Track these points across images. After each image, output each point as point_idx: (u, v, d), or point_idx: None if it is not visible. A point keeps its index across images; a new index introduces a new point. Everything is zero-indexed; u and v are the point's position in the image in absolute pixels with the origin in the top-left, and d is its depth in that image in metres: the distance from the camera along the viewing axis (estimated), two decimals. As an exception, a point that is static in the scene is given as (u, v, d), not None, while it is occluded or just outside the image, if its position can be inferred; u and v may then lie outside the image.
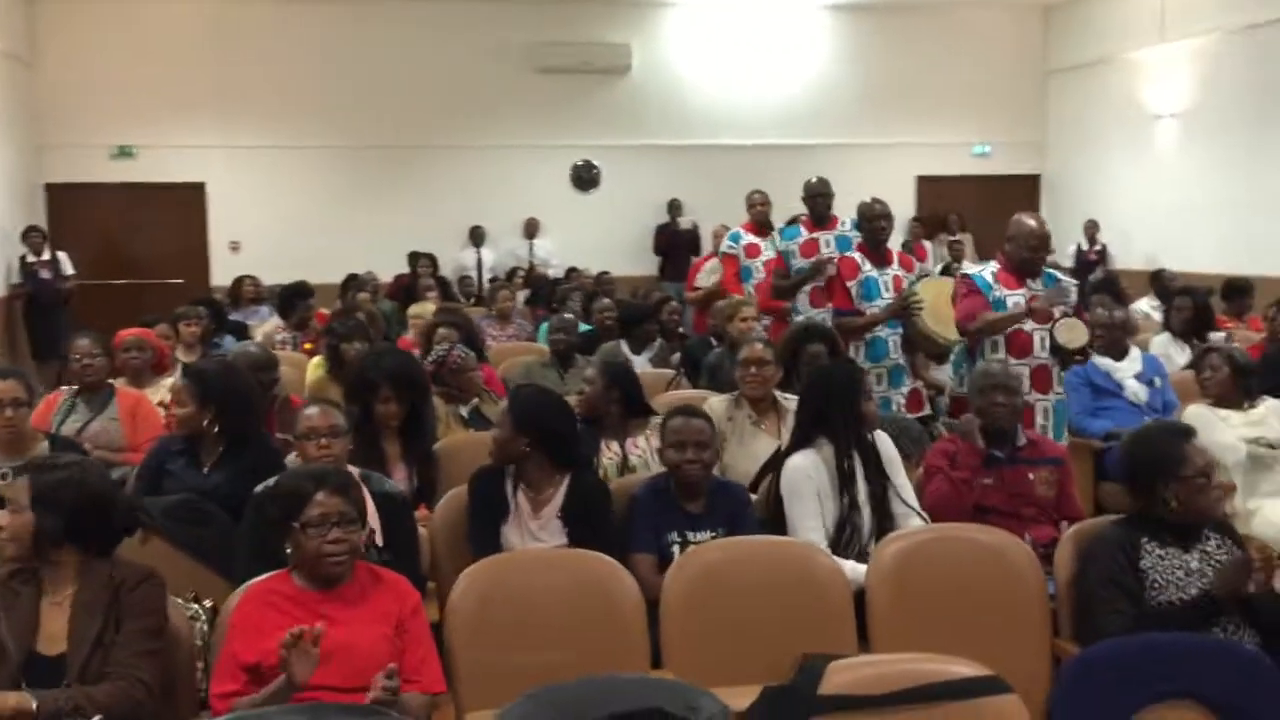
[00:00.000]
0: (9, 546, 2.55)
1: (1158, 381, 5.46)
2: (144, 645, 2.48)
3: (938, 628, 2.88)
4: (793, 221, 6.51)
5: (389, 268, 11.20)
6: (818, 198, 6.12)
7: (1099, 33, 12.31)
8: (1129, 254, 11.57)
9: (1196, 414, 4.59)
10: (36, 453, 3.97)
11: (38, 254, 10.47)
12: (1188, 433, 3.21)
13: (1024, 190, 12.95)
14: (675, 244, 12.54)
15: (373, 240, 11.76)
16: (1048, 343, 4.54)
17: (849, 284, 5.36)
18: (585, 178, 12.87)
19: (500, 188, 12.46)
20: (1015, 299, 4.53)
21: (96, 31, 11.46)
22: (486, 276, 12.06)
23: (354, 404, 4.10)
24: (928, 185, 12.99)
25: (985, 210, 12.53)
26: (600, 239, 12.41)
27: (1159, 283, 8.81)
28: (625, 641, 2.84)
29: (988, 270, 4.60)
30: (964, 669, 2.21)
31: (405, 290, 10.07)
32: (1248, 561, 2.82)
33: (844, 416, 3.63)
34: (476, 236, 12.33)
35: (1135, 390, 5.39)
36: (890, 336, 5.28)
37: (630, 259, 12.45)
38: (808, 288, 5.89)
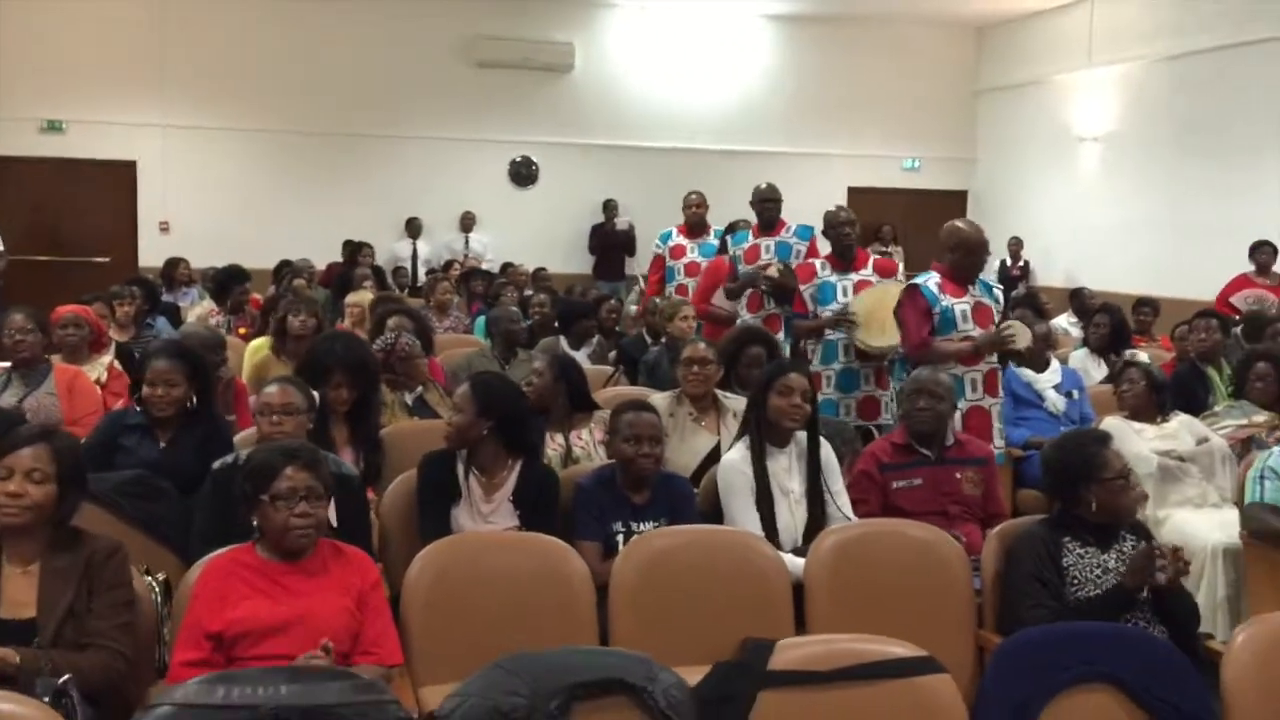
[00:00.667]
0: (22, 516, 2.58)
1: (1075, 394, 5.70)
2: (120, 618, 2.55)
3: (871, 616, 3.02)
4: (733, 228, 6.67)
5: (322, 255, 11.11)
6: (765, 203, 6.21)
7: (1029, 55, 12.71)
8: (1050, 271, 11.98)
9: (1113, 425, 4.81)
10: (-19, 424, 3.96)
11: (-37, 226, 10.24)
12: (1106, 439, 3.41)
13: (952, 205, 13.30)
14: (610, 243, 12.68)
15: (306, 228, 11.69)
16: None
17: (804, 288, 5.53)
18: (523, 174, 12.94)
19: (438, 180, 12.47)
20: (962, 307, 4.71)
21: (29, 0, 11.24)
22: (421, 268, 12.08)
23: (304, 388, 4.16)
24: (859, 196, 13.27)
25: (913, 223, 12.89)
26: (536, 235, 12.49)
27: (1078, 300, 9.18)
28: (576, 622, 2.95)
29: (932, 280, 4.77)
30: (901, 650, 2.36)
31: (340, 279, 10.03)
32: (1151, 552, 3.02)
33: (756, 412, 3.83)
34: (412, 228, 12.33)
35: (1054, 401, 5.62)
36: (841, 341, 5.41)
37: (565, 256, 12.55)
38: (748, 293, 6.02)
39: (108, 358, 5.66)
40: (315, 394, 3.81)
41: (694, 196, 7.37)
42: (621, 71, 12.87)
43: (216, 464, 3.48)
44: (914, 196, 13.36)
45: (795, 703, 2.27)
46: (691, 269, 7.11)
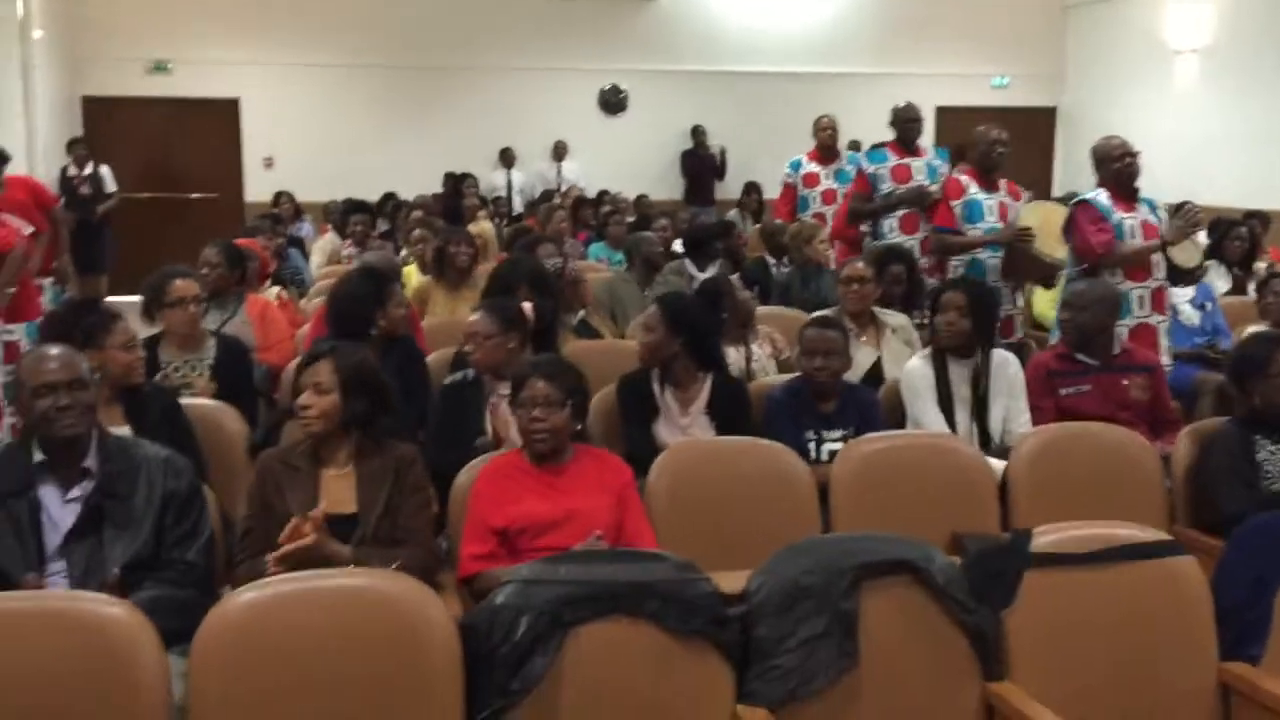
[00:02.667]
0: (316, 424, 2.86)
1: (1208, 305, 5.83)
2: (425, 516, 2.84)
3: (1072, 514, 3.20)
4: (854, 147, 6.72)
5: (420, 187, 11.34)
6: (908, 123, 6.18)
7: (1120, -33, 12.53)
8: (1150, 187, 11.89)
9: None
10: (205, 349, 4.28)
11: (80, 167, 10.55)
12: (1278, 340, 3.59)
13: (1041, 122, 13.25)
14: (700, 169, 12.80)
15: (404, 160, 11.93)
16: (1163, 265, 4.86)
17: (953, 203, 5.51)
18: (613, 102, 13.04)
19: (529, 110, 12.61)
20: (1131, 221, 4.84)
21: (132, -57, 11.47)
22: (517, 197, 12.30)
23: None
24: (947, 115, 13.24)
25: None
26: (627, 162, 12.62)
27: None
28: (802, 517, 3.19)
29: (1102, 195, 4.89)
30: (1146, 535, 2.57)
31: (449, 210, 10.28)
32: None
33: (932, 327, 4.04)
34: (506, 158, 12.50)
35: (1189, 314, 5.75)
36: (989, 260, 5.44)
37: (655, 182, 12.65)
38: (900, 213, 5.98)
39: (276, 287, 5.98)
40: (527, 307, 4.01)
41: (825, 119, 7.34)
42: (707, -4, 12.89)
43: (447, 380, 3.79)
44: (1002, 115, 13.25)
45: (1056, 582, 2.50)
46: (829, 197, 7.14)
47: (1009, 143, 5.61)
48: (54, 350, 2.76)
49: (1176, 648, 2.53)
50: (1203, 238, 4.98)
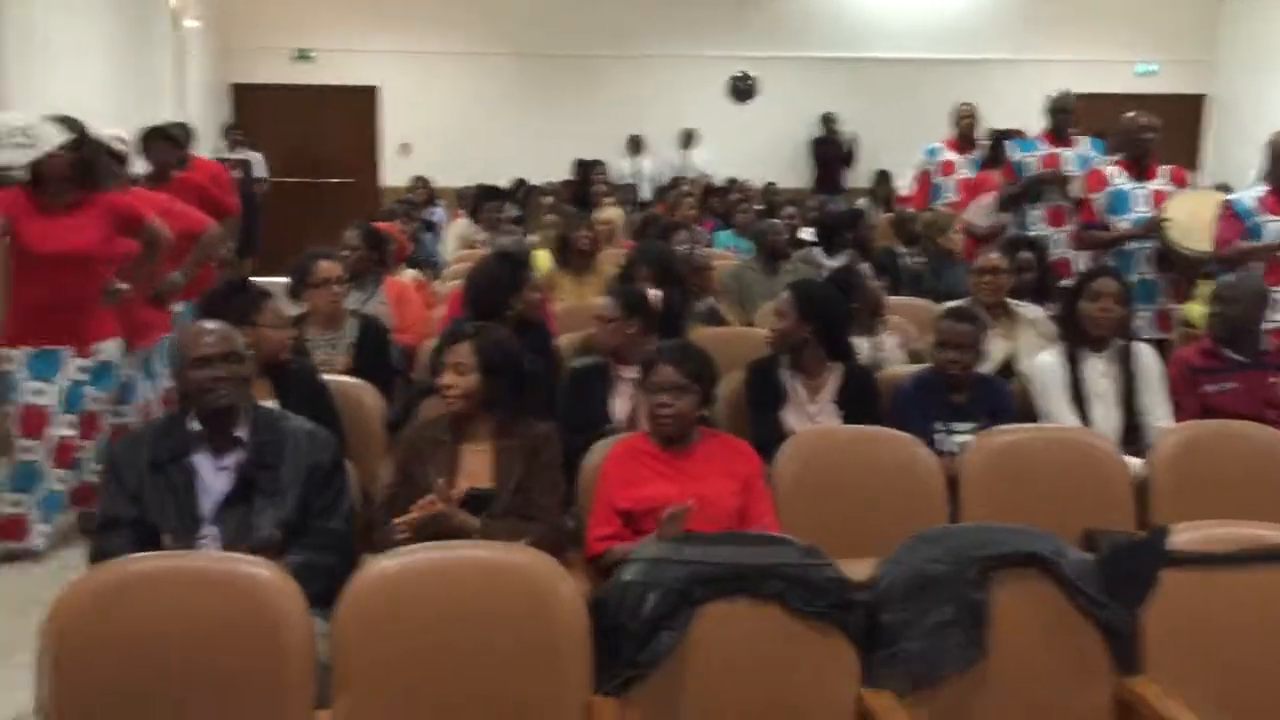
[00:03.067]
0: (458, 403, 2.98)
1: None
2: (557, 494, 2.92)
3: (1216, 513, 3.12)
4: (1006, 135, 6.58)
5: (550, 173, 11.54)
6: (1060, 113, 6.05)
7: (1280, -52, 11.95)
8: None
9: None
10: (346, 328, 4.44)
11: (234, 152, 10.98)
12: None
13: (1188, 111, 12.74)
14: (829, 156, 12.69)
15: (534, 146, 12.13)
16: None
17: (1093, 196, 5.38)
18: (742, 89, 13.01)
19: (658, 98, 12.68)
20: (1276, 225, 4.65)
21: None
22: (645, 184, 12.37)
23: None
24: (1088, 103, 12.78)
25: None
26: (755, 150, 12.59)
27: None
28: (930, 508, 3.17)
29: (1252, 195, 4.70)
30: (1291, 536, 2.49)
31: (579, 196, 10.41)
32: None
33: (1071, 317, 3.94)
34: (635, 145, 12.60)
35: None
36: (1138, 251, 5.26)
37: (784, 170, 12.60)
38: (1046, 204, 5.85)
39: (411, 270, 6.16)
40: (654, 294, 4.06)
41: (964, 107, 7.22)
42: (842, -18, 12.75)
43: (576, 363, 3.86)
44: (1147, 103, 12.74)
45: (1195, 581, 2.44)
46: (964, 186, 7.01)
47: (1158, 128, 5.39)
48: (211, 325, 2.91)
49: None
50: None
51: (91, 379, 4.51)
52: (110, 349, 4.56)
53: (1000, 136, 6.87)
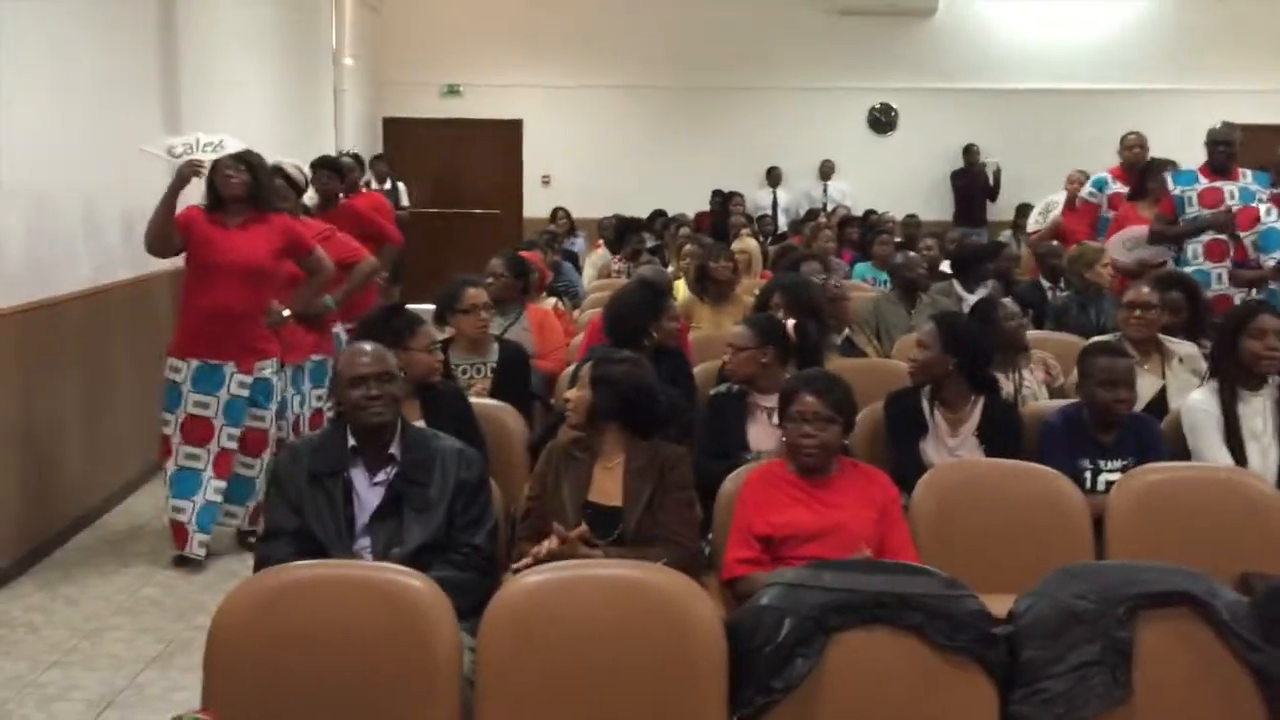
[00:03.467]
0: (572, 415, 3.11)
1: None
2: (685, 515, 2.97)
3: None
4: (1160, 167, 6.40)
5: (690, 205, 11.68)
6: (1219, 145, 5.89)
7: None
8: None
9: None
10: (490, 353, 4.58)
11: (380, 182, 11.41)
12: None
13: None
14: (971, 189, 12.50)
15: (673, 178, 12.29)
16: None
17: (1243, 235, 5.27)
18: (882, 121, 12.95)
19: (797, 130, 12.71)
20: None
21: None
22: (782, 216, 12.40)
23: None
24: (1254, 135, 12.31)
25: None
26: (895, 182, 12.52)
27: None
28: (1074, 543, 3.10)
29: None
30: None
31: (716, 227, 10.49)
32: None
33: (1229, 354, 3.79)
34: (773, 177, 12.65)
35: None
36: None
37: (924, 202, 12.45)
38: (1205, 238, 5.69)
39: (552, 299, 6.31)
40: (790, 324, 4.09)
41: (1133, 136, 7.02)
42: (986, 12, 12.58)
43: (713, 390, 3.91)
44: (1312, 133, 12.29)
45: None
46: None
47: None
48: (367, 346, 3.05)
49: None
50: None
51: (251, 396, 4.78)
52: (270, 368, 4.83)
53: (1149, 168, 6.67)
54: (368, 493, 2.93)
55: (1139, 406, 4.36)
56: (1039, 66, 12.55)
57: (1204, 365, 4.59)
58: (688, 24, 12.46)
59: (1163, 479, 3.26)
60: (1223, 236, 5.61)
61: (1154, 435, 3.77)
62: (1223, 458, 3.68)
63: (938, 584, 2.38)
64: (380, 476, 2.95)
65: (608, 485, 3.01)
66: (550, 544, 2.81)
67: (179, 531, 4.76)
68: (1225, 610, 2.33)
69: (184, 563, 4.79)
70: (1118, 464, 3.66)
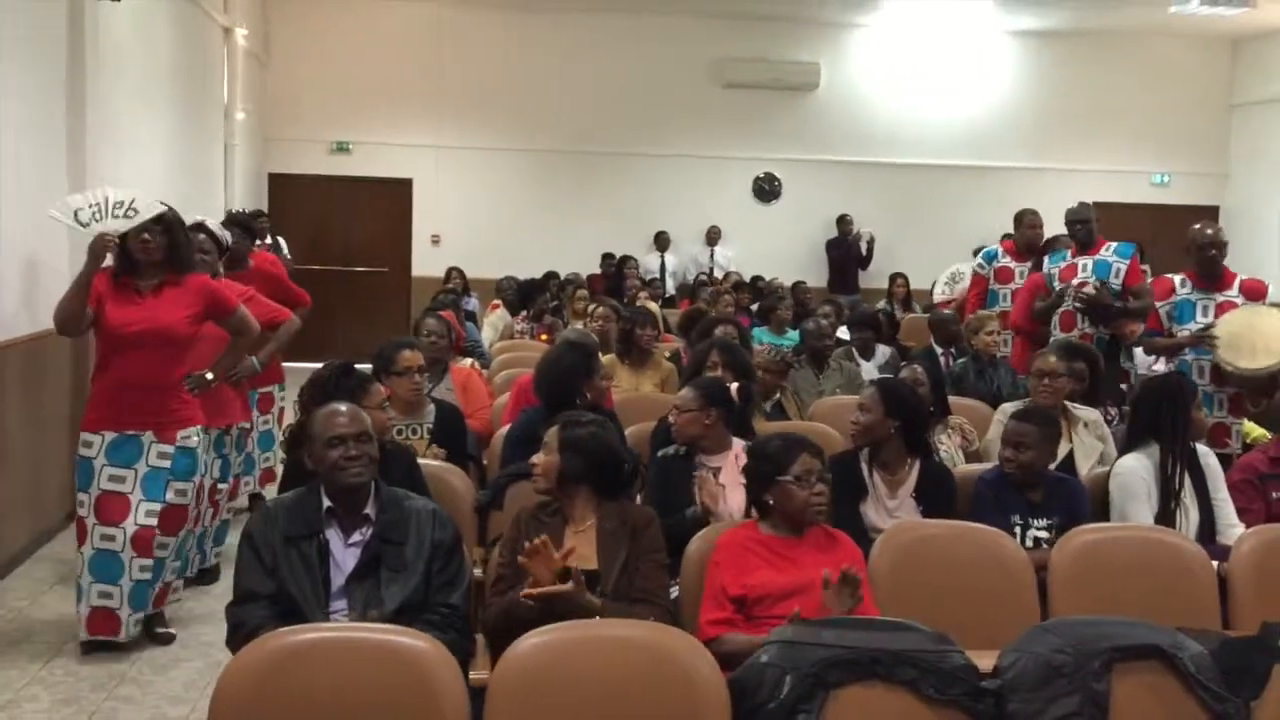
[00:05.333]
0: (540, 480, 3.12)
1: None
2: (661, 578, 3.01)
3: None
4: (1051, 245, 6.76)
5: (578, 267, 11.76)
6: (1076, 224, 6.24)
7: (1291, 68, 12.41)
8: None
9: None
10: (425, 414, 4.55)
11: (262, 239, 11.18)
12: None
13: (1202, 221, 13.05)
14: (844, 258, 12.94)
15: (563, 240, 12.42)
16: None
17: (1160, 305, 5.51)
18: (766, 190, 13.34)
19: (685, 196, 13.01)
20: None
21: (323, 33, 12.30)
22: (669, 280, 12.61)
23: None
24: (1104, 212, 13.14)
25: (1163, 239, 12.67)
26: (777, 249, 12.92)
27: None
28: (1021, 603, 3.25)
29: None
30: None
31: (613, 290, 10.61)
32: None
33: (1173, 423, 4.00)
34: (661, 242, 12.87)
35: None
36: (1195, 361, 5.38)
37: (803, 269, 12.81)
38: (1062, 308, 6.03)
39: (468, 359, 6.29)
40: (733, 387, 4.19)
41: (1030, 216, 7.28)
42: (864, 89, 13.16)
43: (660, 452, 3.98)
44: (1162, 212, 13.16)
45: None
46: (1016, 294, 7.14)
47: (1222, 244, 5.50)
48: (343, 407, 3.03)
49: None
50: None
51: (172, 467, 4.40)
52: (194, 436, 4.48)
53: (1049, 245, 7.03)
54: (344, 554, 2.90)
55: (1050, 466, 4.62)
56: (913, 142, 13.16)
57: (1106, 430, 4.87)
58: (579, 90, 12.68)
59: (1100, 538, 3.45)
60: (1077, 305, 5.95)
61: (1079, 495, 3.98)
62: (1146, 519, 3.90)
63: (927, 639, 2.48)
64: (356, 537, 2.92)
65: (582, 548, 3.02)
66: (555, 588, 2.80)
67: (105, 618, 4.35)
68: (1191, 663, 2.49)
69: (96, 649, 4.40)
70: (1044, 522, 3.86)
